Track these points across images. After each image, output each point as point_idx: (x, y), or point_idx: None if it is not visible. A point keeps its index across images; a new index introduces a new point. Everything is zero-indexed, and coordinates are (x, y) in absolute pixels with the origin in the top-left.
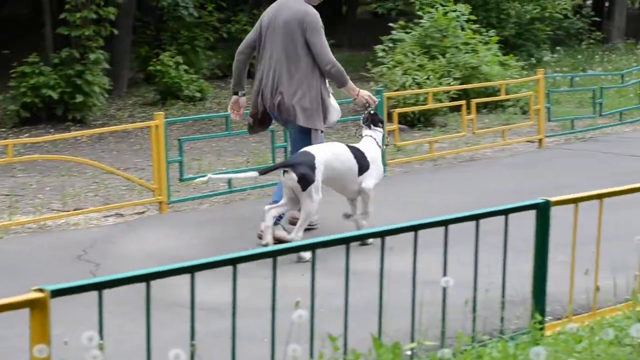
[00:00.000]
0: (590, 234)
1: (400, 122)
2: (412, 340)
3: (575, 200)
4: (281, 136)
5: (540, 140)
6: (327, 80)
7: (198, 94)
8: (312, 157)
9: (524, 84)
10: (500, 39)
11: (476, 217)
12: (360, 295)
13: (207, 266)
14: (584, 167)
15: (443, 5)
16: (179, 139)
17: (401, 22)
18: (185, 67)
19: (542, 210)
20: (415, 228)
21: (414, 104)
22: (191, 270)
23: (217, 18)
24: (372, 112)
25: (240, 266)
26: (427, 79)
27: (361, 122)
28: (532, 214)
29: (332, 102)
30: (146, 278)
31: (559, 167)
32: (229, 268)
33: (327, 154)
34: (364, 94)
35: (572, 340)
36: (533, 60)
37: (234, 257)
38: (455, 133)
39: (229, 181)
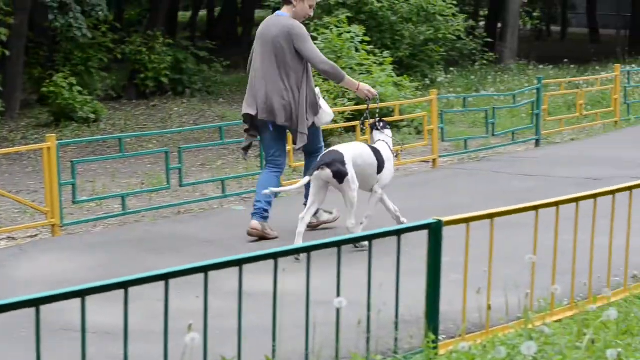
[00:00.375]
0: (483, 253)
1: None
2: None
3: (466, 220)
4: (175, 157)
5: (434, 160)
6: (315, 87)
7: (92, 116)
8: (341, 154)
9: (418, 104)
10: (394, 60)
11: (369, 238)
12: (254, 316)
13: (98, 290)
14: (477, 186)
15: (337, 27)
16: (72, 161)
17: None
18: (79, 88)
19: (434, 230)
20: (308, 249)
21: None
22: (82, 294)
23: (111, 39)
24: (378, 118)
25: (134, 289)
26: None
27: (361, 121)
28: (425, 233)
29: (323, 105)
30: (35, 303)
31: (452, 187)
32: (122, 291)
33: (352, 151)
34: (364, 87)
35: (465, 358)
36: (427, 81)
37: (125, 280)
38: None
39: (123, 203)
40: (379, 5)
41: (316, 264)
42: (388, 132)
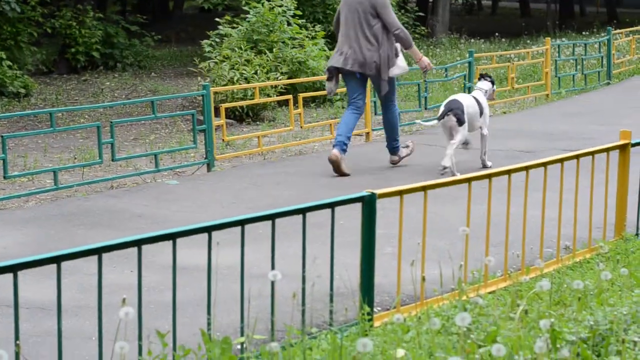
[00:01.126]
0: (417, 225)
1: (229, 117)
2: (242, 335)
3: (400, 193)
4: (108, 132)
5: (367, 134)
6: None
7: (23, 90)
8: (460, 103)
9: None
10: (326, 34)
11: (303, 211)
12: (189, 290)
13: (30, 265)
14: (411, 159)
15: (269, 1)
16: (2, 136)
17: (227, 17)
18: (9, 62)
19: (368, 203)
20: (242, 222)
21: (242, 99)
22: (14, 269)
23: (40, 13)
24: (482, 72)
25: (67, 264)
26: (255, 73)
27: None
28: (360, 206)
29: (399, 60)
30: None
31: (385, 160)
32: (55, 266)
33: (466, 101)
34: (425, 60)
35: (400, 330)
36: None
37: (58, 254)
38: (284, 127)
39: (55, 178)
40: None
41: (251, 236)
42: (486, 84)
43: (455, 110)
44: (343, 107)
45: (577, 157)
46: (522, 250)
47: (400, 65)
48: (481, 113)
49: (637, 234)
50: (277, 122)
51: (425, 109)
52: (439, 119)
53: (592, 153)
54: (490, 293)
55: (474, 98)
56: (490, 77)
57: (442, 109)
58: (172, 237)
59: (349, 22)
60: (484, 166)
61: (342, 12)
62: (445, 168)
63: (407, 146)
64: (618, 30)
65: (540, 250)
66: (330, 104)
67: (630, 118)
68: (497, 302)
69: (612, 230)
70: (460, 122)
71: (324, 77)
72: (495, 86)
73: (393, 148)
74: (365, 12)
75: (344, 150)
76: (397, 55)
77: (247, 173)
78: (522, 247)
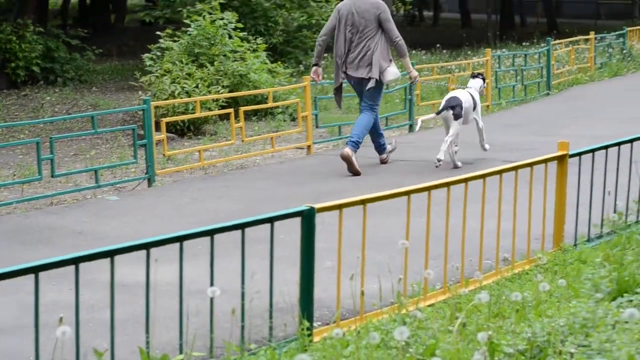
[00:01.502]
0: (358, 238)
1: (170, 131)
2: (181, 352)
3: (339, 207)
4: (47, 148)
5: (308, 147)
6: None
7: None
8: (459, 100)
9: (292, 90)
10: (268, 47)
11: (242, 226)
12: (129, 307)
13: None
14: (399, 156)
15: (210, 14)
16: None
17: (168, 31)
18: None
19: (307, 217)
20: (180, 239)
21: (184, 113)
22: None
23: None
24: (474, 72)
25: (4, 283)
26: (196, 87)
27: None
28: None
29: (392, 67)
30: None
31: (327, 174)
32: None
33: (463, 97)
34: (415, 72)
35: (339, 345)
36: (302, 67)
37: None
38: (225, 141)
39: None
40: None
41: (191, 252)
42: (478, 81)
43: (454, 105)
44: (285, 120)
45: (515, 168)
46: (462, 263)
47: (393, 71)
48: (474, 107)
49: (575, 245)
50: (219, 136)
51: None
52: (438, 113)
53: (531, 164)
54: (429, 306)
55: (470, 94)
56: (481, 74)
57: (443, 103)
58: (110, 254)
59: (347, 30)
60: (484, 149)
61: (342, 22)
62: (439, 161)
63: (391, 143)
64: (558, 41)
65: (479, 263)
66: (272, 117)
67: (569, 128)
68: (436, 315)
69: (551, 241)
70: (457, 116)
71: (266, 89)
72: (485, 83)
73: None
74: (370, 21)
75: (355, 150)
76: (390, 62)
77: (188, 187)
78: (462, 259)
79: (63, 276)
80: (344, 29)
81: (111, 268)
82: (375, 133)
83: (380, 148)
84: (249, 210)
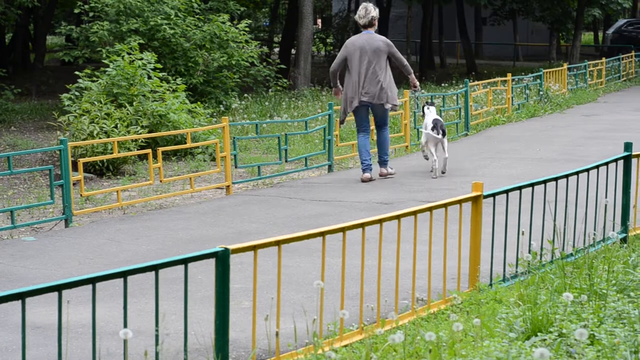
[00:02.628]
0: (274, 279)
1: (88, 171)
2: None
3: (254, 247)
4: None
5: (228, 187)
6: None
7: None
8: (442, 121)
9: (213, 130)
10: (188, 87)
11: (155, 267)
12: (43, 349)
13: None
14: (271, 212)
15: (129, 54)
16: None
17: (87, 70)
18: None
19: (221, 259)
20: (93, 280)
21: (102, 153)
22: None
23: None
24: (427, 101)
25: None
26: (115, 127)
27: (421, 106)
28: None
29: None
30: None
31: (245, 214)
32: None
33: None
34: (417, 83)
35: None
36: (222, 107)
37: None
38: (144, 181)
39: None
40: (172, 32)
41: (107, 292)
42: (433, 108)
43: (441, 127)
44: (204, 160)
45: (430, 209)
46: (378, 303)
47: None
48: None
49: (490, 284)
50: (138, 176)
51: (286, 161)
52: (428, 133)
53: (445, 205)
54: (345, 346)
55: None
56: (433, 103)
57: (431, 125)
58: (21, 296)
59: (363, 63)
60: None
61: (355, 55)
62: (443, 173)
63: (392, 168)
64: (476, 82)
65: (395, 302)
66: (191, 157)
67: (487, 169)
68: (352, 355)
69: (467, 280)
70: (444, 134)
71: (185, 130)
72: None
73: (383, 161)
74: (380, 54)
75: (371, 169)
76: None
77: (106, 228)
78: (378, 299)
79: None
80: (359, 63)
81: (22, 310)
82: (384, 147)
83: (384, 162)
84: (167, 251)
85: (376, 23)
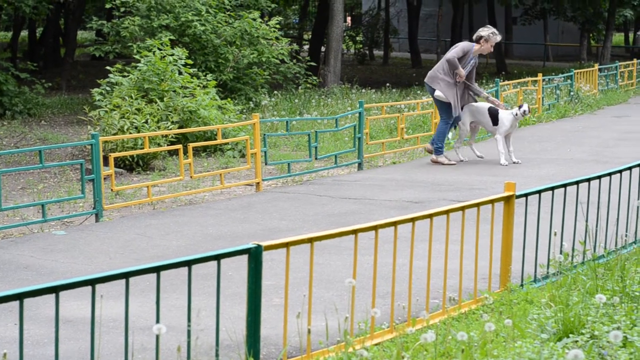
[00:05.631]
0: (306, 276)
1: (118, 166)
2: None
3: (286, 245)
4: None
5: (257, 184)
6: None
7: None
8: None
9: (242, 127)
10: (218, 83)
11: (188, 263)
12: (74, 343)
13: None
14: (300, 210)
15: (160, 50)
16: None
17: (118, 65)
18: None
19: (254, 255)
20: (126, 275)
21: (132, 148)
22: None
23: None
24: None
25: None
26: (146, 122)
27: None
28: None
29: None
30: None
31: (276, 211)
32: None
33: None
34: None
35: None
36: (251, 104)
37: None
38: (174, 177)
39: None
40: (202, 28)
41: (138, 288)
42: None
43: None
44: (234, 157)
45: (462, 208)
46: (409, 302)
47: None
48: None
49: (521, 285)
50: (168, 172)
51: (316, 158)
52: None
53: (478, 205)
54: (376, 345)
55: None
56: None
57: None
58: (55, 290)
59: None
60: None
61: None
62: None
63: (449, 159)
64: (506, 82)
65: (426, 302)
66: (221, 153)
67: (517, 169)
68: (382, 354)
69: (498, 281)
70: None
71: (215, 126)
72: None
73: (437, 148)
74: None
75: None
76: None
77: (136, 223)
78: (409, 298)
79: (7, 310)
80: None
81: (56, 304)
82: (438, 134)
83: (437, 150)
84: (197, 247)
85: (478, 40)
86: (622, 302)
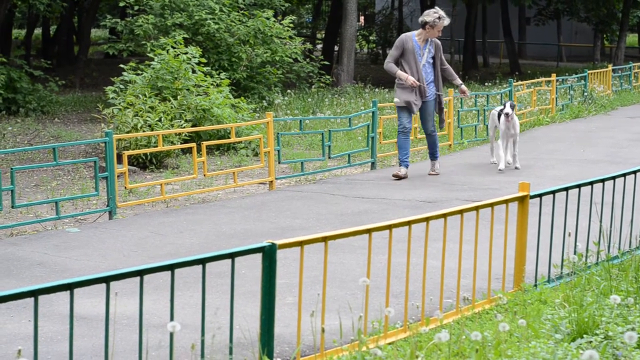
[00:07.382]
0: (319, 275)
1: (132, 164)
2: None
3: (300, 243)
4: (8, 178)
5: (271, 182)
6: None
7: None
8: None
9: (255, 126)
10: (231, 82)
11: (202, 261)
12: (88, 340)
13: None
14: (314, 209)
15: (174, 48)
16: None
17: (132, 63)
18: None
19: (268, 253)
20: (141, 272)
21: (146, 146)
22: None
23: None
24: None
25: None
26: (159, 120)
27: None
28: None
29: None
30: None
31: (289, 209)
32: None
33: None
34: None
35: None
36: (265, 103)
37: None
38: (187, 175)
39: None
40: (216, 27)
41: (151, 285)
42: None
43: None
44: (247, 156)
45: (476, 208)
46: (422, 301)
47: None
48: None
49: (535, 285)
50: (181, 170)
51: (329, 157)
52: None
53: (492, 205)
54: (389, 344)
55: None
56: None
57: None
58: (69, 287)
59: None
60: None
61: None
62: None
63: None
64: (519, 82)
65: (440, 301)
66: (234, 152)
67: (531, 169)
68: (396, 353)
69: (512, 281)
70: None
71: (229, 124)
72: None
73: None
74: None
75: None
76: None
77: (150, 221)
78: (422, 297)
79: (22, 307)
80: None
81: (70, 300)
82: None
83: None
84: (211, 245)
85: (423, 26)
86: (637, 303)
